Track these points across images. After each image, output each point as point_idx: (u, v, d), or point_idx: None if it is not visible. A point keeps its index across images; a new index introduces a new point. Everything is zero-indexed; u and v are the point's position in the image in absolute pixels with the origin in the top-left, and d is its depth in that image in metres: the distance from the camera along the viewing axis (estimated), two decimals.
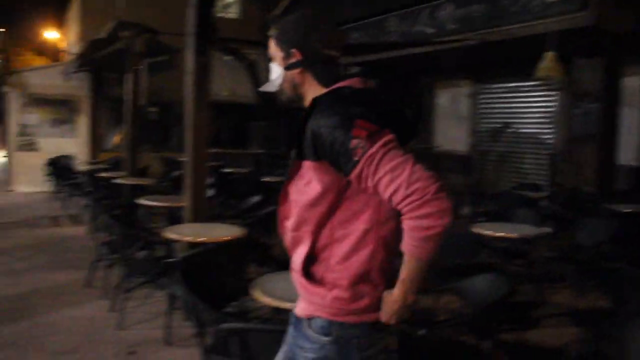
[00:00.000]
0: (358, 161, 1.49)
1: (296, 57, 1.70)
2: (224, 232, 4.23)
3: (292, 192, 1.70)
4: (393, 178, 1.47)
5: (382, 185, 1.48)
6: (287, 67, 1.72)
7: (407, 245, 1.51)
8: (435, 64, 10.69)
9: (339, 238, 1.63)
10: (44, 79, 12.46)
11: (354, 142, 1.49)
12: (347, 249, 1.62)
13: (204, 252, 3.63)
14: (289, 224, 1.73)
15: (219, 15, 12.29)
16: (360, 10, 10.63)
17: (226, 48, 11.21)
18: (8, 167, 12.45)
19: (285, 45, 1.72)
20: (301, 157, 1.62)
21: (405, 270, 1.55)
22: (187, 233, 4.26)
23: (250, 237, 4.26)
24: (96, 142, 12.34)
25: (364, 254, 1.62)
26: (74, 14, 30.35)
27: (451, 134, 11.85)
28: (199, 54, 4.67)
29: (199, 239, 4.06)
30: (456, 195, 10.86)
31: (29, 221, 8.40)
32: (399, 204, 1.47)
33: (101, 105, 12.67)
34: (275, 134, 12.68)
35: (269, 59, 1.79)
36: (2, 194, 11.55)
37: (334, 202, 1.61)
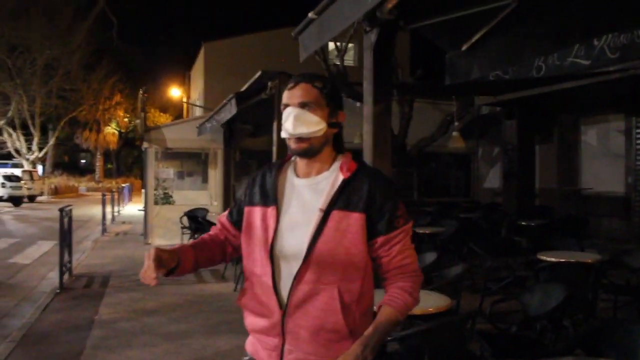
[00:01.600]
0: (397, 228, 1.77)
1: (341, 118, 1.87)
2: (426, 301, 3.64)
3: (323, 242, 1.73)
4: (411, 254, 1.81)
5: (401, 256, 1.78)
6: (331, 125, 1.83)
7: (399, 301, 1.76)
8: (582, 98, 9.88)
9: (366, 292, 1.80)
10: (179, 134, 12.84)
11: (400, 212, 1.78)
12: (369, 302, 1.84)
13: (417, 334, 3.16)
14: (308, 274, 1.74)
15: (336, 63, 12.15)
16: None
17: (357, 94, 10.99)
18: (145, 220, 12.81)
19: (334, 103, 1.85)
20: (345, 208, 1.75)
21: (385, 320, 1.74)
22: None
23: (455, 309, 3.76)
24: (228, 192, 12.44)
25: (371, 305, 1.84)
26: (196, 72, 32.25)
27: (603, 173, 10.84)
28: (377, 100, 4.34)
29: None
30: (614, 241, 9.97)
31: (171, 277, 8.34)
32: (407, 271, 1.79)
33: (232, 157, 12.86)
34: (407, 181, 12.21)
35: (304, 104, 1.78)
36: (140, 247, 11.82)
37: (367, 255, 1.78)
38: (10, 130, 33.15)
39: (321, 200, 1.77)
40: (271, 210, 1.83)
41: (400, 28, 4.83)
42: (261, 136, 12.68)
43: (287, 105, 1.81)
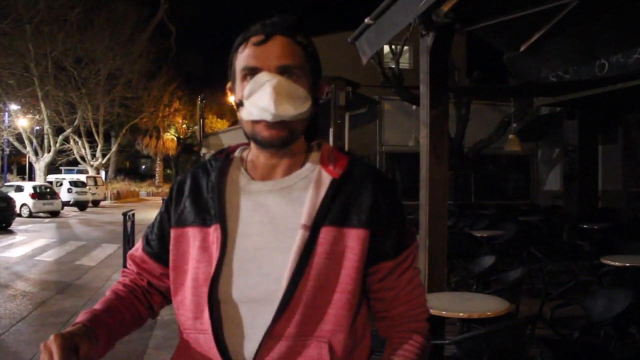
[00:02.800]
0: (406, 248, 1.24)
1: (322, 92, 1.28)
2: (484, 305, 3.59)
3: (313, 276, 1.14)
4: (420, 283, 1.28)
5: (411, 286, 1.25)
6: (315, 101, 1.23)
7: (412, 350, 1.21)
8: None
9: (360, 339, 1.23)
10: (236, 139, 13.02)
11: (408, 225, 1.26)
12: (368, 353, 1.26)
13: (475, 338, 3.14)
14: (287, 326, 1.13)
15: (391, 66, 12.12)
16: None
17: (412, 97, 10.95)
18: None
19: (317, 71, 1.25)
20: (341, 223, 1.17)
21: None
22: (436, 306, 3.53)
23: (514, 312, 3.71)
24: None
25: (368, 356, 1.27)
26: None
27: None
28: (434, 103, 4.33)
29: (460, 315, 3.50)
30: None
31: None
32: (415, 307, 1.26)
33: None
34: (464, 184, 12.06)
35: (285, 69, 1.17)
36: None
37: (361, 287, 1.20)
38: (76, 138, 34.55)
39: (302, 213, 1.17)
40: (212, 231, 1.21)
41: (456, 31, 4.81)
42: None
43: (255, 69, 1.17)
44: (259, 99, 1.14)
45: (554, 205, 11.72)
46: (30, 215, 22.31)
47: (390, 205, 1.21)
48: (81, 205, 27.94)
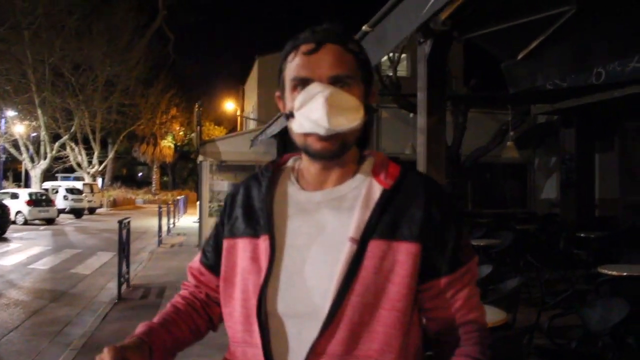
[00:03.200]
0: (463, 264, 1.17)
1: (374, 100, 1.22)
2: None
3: (359, 292, 1.09)
4: (479, 303, 1.21)
5: (468, 306, 1.18)
6: (367, 109, 1.17)
7: None
8: None
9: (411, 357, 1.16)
10: (233, 147, 13.08)
11: (465, 240, 1.19)
12: None
13: None
14: (333, 344, 1.08)
15: (389, 74, 12.14)
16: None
17: (410, 105, 10.95)
18: (200, 232, 13.05)
19: (369, 78, 1.21)
20: (391, 237, 1.12)
21: None
22: None
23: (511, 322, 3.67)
24: None
25: None
26: (250, 85, 32.83)
27: None
28: (431, 110, 4.32)
29: None
30: None
31: None
32: (472, 331, 1.17)
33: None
34: (462, 192, 12.04)
35: (337, 79, 1.13)
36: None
37: (412, 305, 1.15)
38: (73, 145, 34.50)
39: (350, 225, 1.13)
40: (262, 243, 1.18)
41: (454, 39, 4.80)
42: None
43: (307, 80, 1.13)
44: (311, 111, 1.10)
45: (551, 214, 11.71)
46: (26, 222, 22.20)
47: (445, 217, 1.15)
48: (77, 213, 27.83)
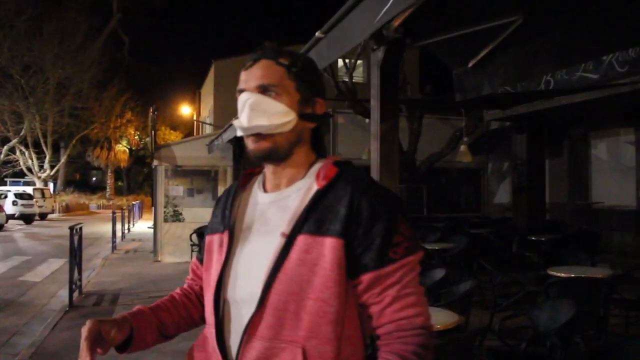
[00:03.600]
0: (395, 260, 1.21)
1: (320, 109, 1.36)
2: (434, 318, 3.63)
3: (283, 281, 1.21)
4: (418, 301, 1.23)
5: (399, 304, 1.21)
6: (304, 116, 1.32)
7: None
8: (592, 112, 9.87)
9: (347, 357, 1.23)
10: (188, 151, 12.93)
11: (398, 238, 1.22)
12: None
13: None
14: (262, 327, 1.21)
15: (345, 80, 12.22)
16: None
17: (366, 110, 11.04)
18: (155, 238, 12.85)
19: (309, 88, 1.34)
20: (316, 232, 1.22)
21: None
22: None
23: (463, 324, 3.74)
24: None
25: None
26: (207, 90, 32.56)
27: (614, 187, 10.79)
28: (384, 117, 4.37)
29: None
30: (626, 256, 9.88)
31: None
32: (406, 329, 1.20)
33: (240, 173, 12.93)
34: (417, 197, 12.21)
35: (264, 88, 1.29)
36: (150, 265, 11.85)
37: (342, 298, 1.22)
38: (23, 149, 33.50)
39: (286, 221, 1.26)
40: (224, 237, 1.35)
41: (406, 46, 4.87)
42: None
43: (242, 91, 1.31)
44: (240, 114, 1.29)
45: (504, 218, 11.98)
46: None
47: (372, 214, 1.21)
48: (27, 219, 27.00)
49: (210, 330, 1.32)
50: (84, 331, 1.26)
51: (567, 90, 9.00)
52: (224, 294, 1.30)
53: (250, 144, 1.31)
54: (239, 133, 1.31)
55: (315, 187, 1.28)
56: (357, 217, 1.21)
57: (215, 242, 1.38)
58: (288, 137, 1.30)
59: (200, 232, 11.11)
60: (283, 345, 1.19)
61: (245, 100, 1.28)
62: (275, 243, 1.24)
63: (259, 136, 1.28)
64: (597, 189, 11.28)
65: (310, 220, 1.23)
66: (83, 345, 1.24)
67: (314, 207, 1.24)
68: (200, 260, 1.49)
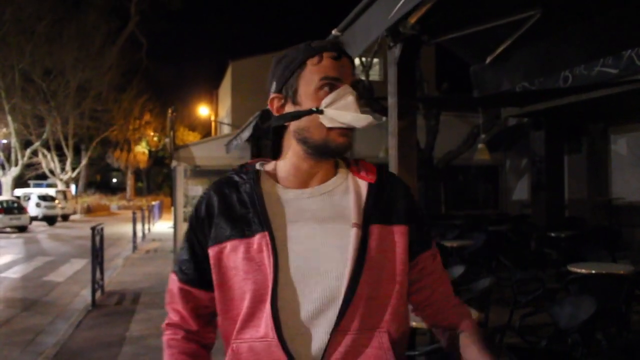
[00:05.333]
0: (433, 238, 1.44)
1: None
2: None
3: (369, 270, 1.23)
4: (445, 277, 1.44)
5: (445, 275, 1.43)
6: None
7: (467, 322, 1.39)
8: (611, 107, 9.75)
9: (407, 323, 1.35)
10: (207, 152, 13.03)
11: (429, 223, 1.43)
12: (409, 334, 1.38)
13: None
14: (352, 320, 1.20)
15: (361, 78, 12.20)
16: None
17: (382, 108, 11.02)
18: (175, 237, 12.96)
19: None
20: (386, 221, 1.30)
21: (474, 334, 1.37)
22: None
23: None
24: None
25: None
26: (224, 90, 32.70)
27: (634, 183, 10.65)
28: (402, 114, 4.37)
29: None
30: None
31: None
32: (451, 292, 1.44)
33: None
34: (435, 195, 12.15)
35: (354, 85, 1.30)
36: (170, 265, 11.93)
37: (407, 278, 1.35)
38: (45, 152, 33.97)
39: (349, 214, 1.26)
40: (258, 240, 1.23)
41: (423, 42, 4.87)
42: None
43: (337, 81, 1.27)
44: (345, 107, 1.25)
45: (523, 215, 11.89)
46: None
47: (417, 206, 1.39)
48: (50, 220, 27.39)
49: (259, 344, 1.20)
50: None
51: (586, 86, 8.92)
52: (280, 299, 1.20)
53: (337, 137, 1.27)
54: (345, 123, 1.25)
55: (362, 182, 1.33)
56: (412, 207, 1.35)
57: (234, 249, 1.25)
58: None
59: None
60: (370, 333, 1.22)
61: (348, 93, 1.26)
62: (346, 236, 1.24)
63: (351, 130, 1.28)
64: (617, 184, 11.14)
65: (377, 211, 1.29)
66: None
67: (376, 200, 1.30)
68: (189, 281, 1.34)
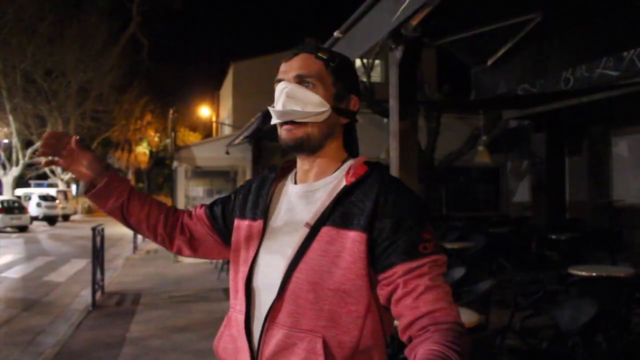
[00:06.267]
0: (425, 255, 1.19)
1: (354, 106, 1.40)
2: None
3: (304, 270, 1.25)
4: (447, 296, 1.18)
5: (432, 295, 1.16)
6: (337, 110, 1.34)
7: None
8: (612, 109, 9.76)
9: (366, 350, 1.25)
10: (208, 152, 13.05)
11: (427, 235, 1.22)
12: None
13: None
14: (283, 315, 1.25)
15: (363, 79, 12.20)
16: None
17: (384, 110, 11.03)
18: None
19: (345, 84, 1.37)
20: (340, 225, 1.25)
21: None
22: None
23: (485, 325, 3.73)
24: None
25: None
26: (225, 91, 32.71)
27: (635, 185, 10.64)
28: (403, 115, 4.38)
29: None
30: None
31: (200, 294, 8.46)
32: (441, 322, 1.13)
33: (261, 174, 13.04)
34: (436, 196, 12.17)
35: (301, 78, 1.32)
36: (170, 265, 11.96)
37: (372, 298, 1.25)
38: None
39: (312, 213, 1.30)
40: (257, 225, 1.39)
41: (425, 45, 4.87)
42: (291, 153, 12.84)
43: (280, 80, 1.34)
44: (275, 104, 1.32)
45: (523, 216, 11.89)
46: None
47: (401, 211, 1.23)
48: (51, 220, 27.42)
49: (238, 315, 1.35)
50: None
51: (587, 88, 8.93)
52: (252, 280, 1.34)
53: (283, 133, 1.33)
54: (274, 120, 1.33)
55: (343, 183, 1.31)
56: (383, 213, 1.23)
57: (246, 227, 1.41)
58: (321, 128, 1.32)
59: None
60: (303, 334, 1.22)
61: (282, 89, 1.31)
62: (299, 233, 1.28)
63: (292, 124, 1.31)
64: (617, 187, 11.13)
65: (336, 213, 1.26)
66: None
67: (340, 202, 1.27)
68: (210, 211, 1.56)
